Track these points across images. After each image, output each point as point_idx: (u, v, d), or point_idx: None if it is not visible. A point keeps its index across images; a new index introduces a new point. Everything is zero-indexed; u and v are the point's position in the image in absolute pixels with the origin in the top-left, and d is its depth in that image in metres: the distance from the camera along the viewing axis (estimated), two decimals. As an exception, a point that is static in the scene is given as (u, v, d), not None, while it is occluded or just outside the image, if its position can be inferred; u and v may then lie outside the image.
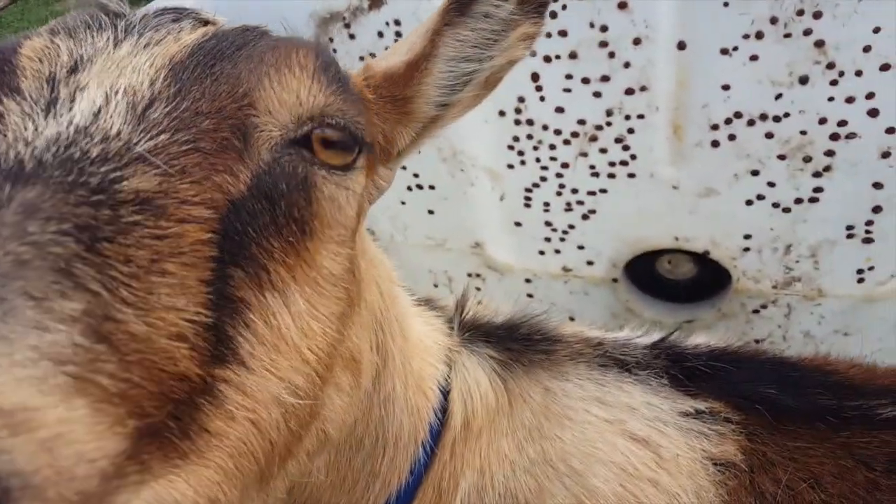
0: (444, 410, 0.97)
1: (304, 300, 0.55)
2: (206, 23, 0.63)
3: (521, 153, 1.82)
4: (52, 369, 0.35)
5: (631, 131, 1.64)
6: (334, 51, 1.84)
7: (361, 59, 1.82)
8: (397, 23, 1.71)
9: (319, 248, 0.58)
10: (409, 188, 2.05)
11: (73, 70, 0.54)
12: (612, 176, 1.75)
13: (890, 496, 0.87)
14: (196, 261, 0.48)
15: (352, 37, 1.78)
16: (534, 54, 1.60)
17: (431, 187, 2.02)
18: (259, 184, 0.54)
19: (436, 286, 2.29)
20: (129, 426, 0.39)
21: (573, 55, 1.56)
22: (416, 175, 2.01)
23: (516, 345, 1.05)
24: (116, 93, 0.52)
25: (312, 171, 0.58)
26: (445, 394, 0.98)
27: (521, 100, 1.71)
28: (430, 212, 2.08)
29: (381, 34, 1.74)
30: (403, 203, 2.10)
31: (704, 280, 1.98)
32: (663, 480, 0.95)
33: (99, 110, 0.50)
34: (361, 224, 0.74)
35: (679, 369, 1.03)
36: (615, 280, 2.00)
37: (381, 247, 2.26)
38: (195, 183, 0.50)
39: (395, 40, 1.73)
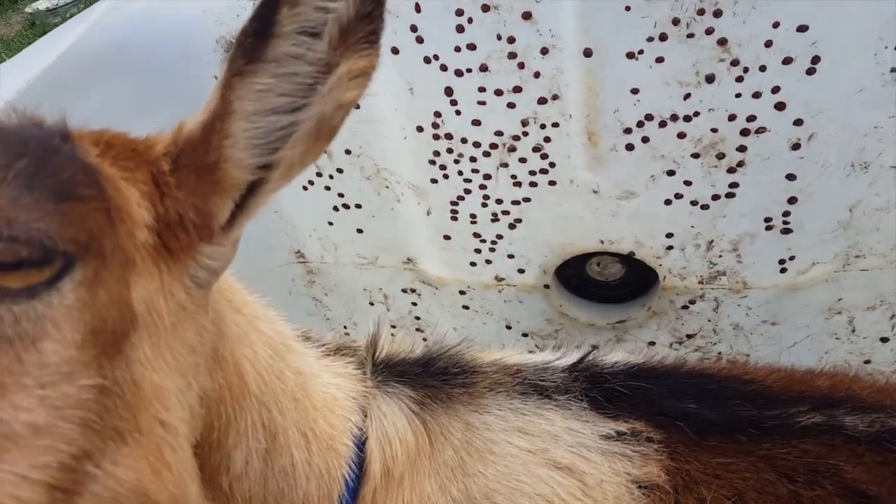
0: (362, 463, 0.93)
1: (22, 392, 0.47)
2: None
3: (442, 167, 1.79)
4: None
5: (547, 140, 1.62)
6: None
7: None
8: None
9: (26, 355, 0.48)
10: (336, 208, 2.00)
11: None
12: (533, 184, 1.73)
13: (813, 508, 0.87)
14: None
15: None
16: (445, 69, 1.57)
17: (358, 206, 1.97)
18: None
19: (371, 304, 2.25)
20: None
21: (484, 68, 1.53)
22: (340, 195, 1.96)
23: (434, 380, 1.01)
24: None
25: None
26: (361, 444, 0.94)
27: (438, 114, 1.67)
28: (359, 230, 2.03)
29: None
30: (331, 223, 2.05)
31: (633, 280, 1.98)
32: None
33: None
34: (190, 318, 0.65)
35: (598, 391, 1.01)
36: (547, 286, 1.99)
37: (312, 269, 2.22)
38: None
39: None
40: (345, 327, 2.39)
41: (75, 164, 0.55)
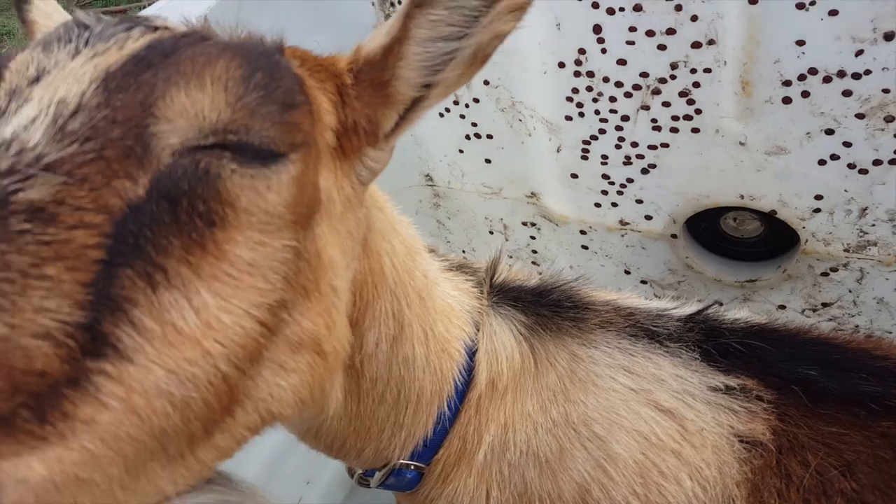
0: (471, 370, 1.00)
1: (212, 293, 0.55)
2: (157, 28, 0.63)
3: (579, 105, 1.76)
4: None
5: (696, 85, 1.55)
6: (399, 2, 1.81)
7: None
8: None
9: (230, 238, 0.58)
10: (468, 137, 2.04)
11: (35, 81, 0.57)
12: (674, 130, 1.68)
13: (925, 494, 0.85)
14: (79, 264, 0.50)
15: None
16: (596, 6, 1.53)
17: (489, 136, 2.00)
18: (158, 186, 0.55)
19: (491, 233, 2.30)
20: None
21: (637, 7, 1.47)
22: (474, 124, 1.99)
23: (545, 310, 1.06)
24: (49, 105, 0.54)
25: (220, 164, 0.58)
26: (472, 354, 1.01)
27: (582, 51, 1.64)
28: (488, 160, 2.07)
29: None
30: (461, 151, 2.09)
31: (771, 239, 1.89)
32: (686, 452, 0.95)
33: (29, 123, 0.53)
34: (351, 207, 0.75)
35: (712, 344, 1.01)
36: (675, 236, 1.94)
37: (439, 192, 2.30)
38: (92, 190, 0.52)
39: None
40: (463, 251, 2.47)
41: (291, 77, 0.66)
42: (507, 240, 2.28)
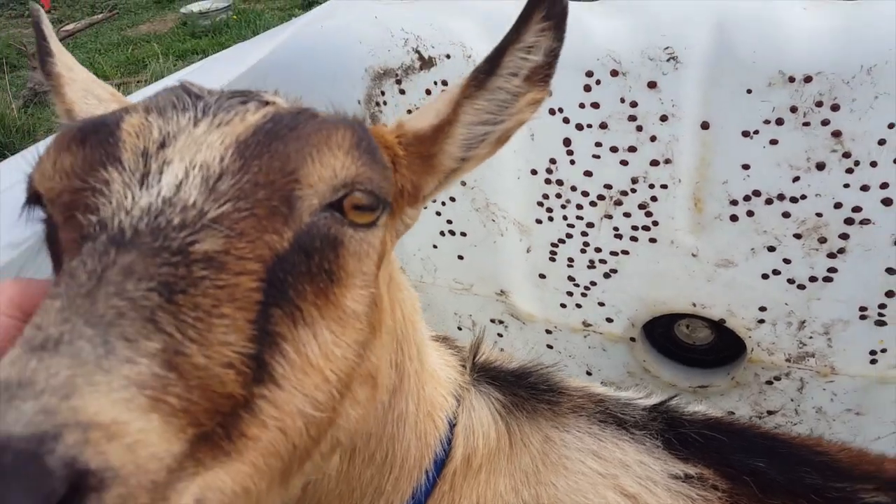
0: (449, 442, 1.02)
1: (330, 332, 0.66)
2: (266, 103, 0.73)
3: (549, 210, 1.92)
4: (136, 393, 0.48)
5: (654, 199, 1.72)
6: (384, 103, 1.98)
7: (409, 111, 1.96)
8: (444, 83, 1.85)
9: (344, 293, 0.69)
10: (442, 233, 2.16)
11: (162, 146, 0.64)
12: (634, 239, 1.83)
13: (862, 579, 0.91)
14: (246, 304, 0.59)
15: (402, 92, 1.92)
16: (567, 121, 1.71)
17: (463, 234, 2.13)
18: (298, 241, 0.65)
19: (459, 329, 2.38)
20: (188, 433, 0.51)
21: (604, 125, 1.66)
22: (449, 221, 2.12)
23: (523, 391, 1.10)
24: (194, 167, 0.63)
25: (342, 230, 0.69)
26: (452, 426, 1.03)
27: (553, 161, 1.81)
28: (460, 257, 2.18)
29: (428, 91, 1.88)
30: (435, 247, 2.21)
31: (720, 347, 2.02)
32: None
33: (180, 183, 0.61)
34: (385, 261, 0.85)
35: (674, 433, 1.07)
36: (633, 339, 2.06)
37: (411, 285, 2.38)
38: (250, 242, 0.61)
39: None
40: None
41: (377, 143, 0.80)
42: (474, 336, 2.35)
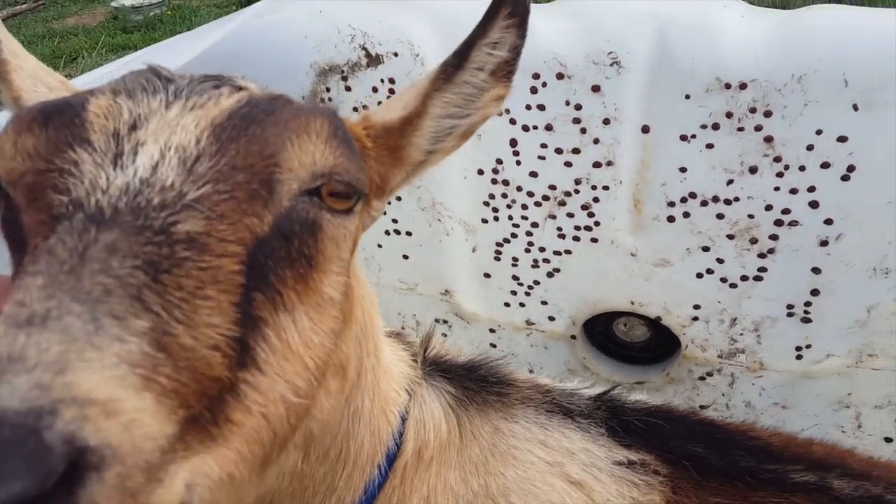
0: (401, 436, 1.03)
1: (308, 318, 0.66)
2: (239, 88, 0.73)
3: (495, 210, 1.94)
4: (128, 371, 0.47)
5: (596, 200, 1.77)
6: (329, 99, 1.96)
7: (355, 109, 1.95)
8: (391, 81, 1.84)
9: (322, 278, 0.70)
10: (387, 232, 2.15)
11: (133, 127, 0.64)
12: (576, 239, 1.88)
13: (794, 556, 0.96)
14: (229, 287, 0.59)
15: (348, 89, 1.91)
16: (514, 122, 1.74)
17: (408, 233, 2.13)
18: (278, 225, 0.65)
19: (403, 328, 2.37)
20: (179, 415, 0.50)
21: (549, 127, 1.70)
22: (394, 220, 2.12)
23: (473, 384, 1.12)
24: (169, 149, 0.62)
25: (320, 214, 0.70)
26: (403, 421, 1.04)
27: (500, 161, 1.84)
28: (405, 257, 2.18)
29: (375, 89, 1.87)
30: (380, 246, 2.20)
31: (656, 345, 2.09)
32: None
33: (157, 164, 0.61)
34: (355, 251, 0.86)
35: (617, 421, 1.11)
36: (574, 337, 2.11)
37: (355, 286, 2.37)
38: (231, 224, 0.61)
39: (388, 96, 1.86)
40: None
41: (355, 132, 0.82)
42: (418, 336, 2.36)
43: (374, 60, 1.84)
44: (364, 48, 1.84)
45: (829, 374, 1.83)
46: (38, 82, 0.91)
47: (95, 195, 0.58)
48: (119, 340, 0.48)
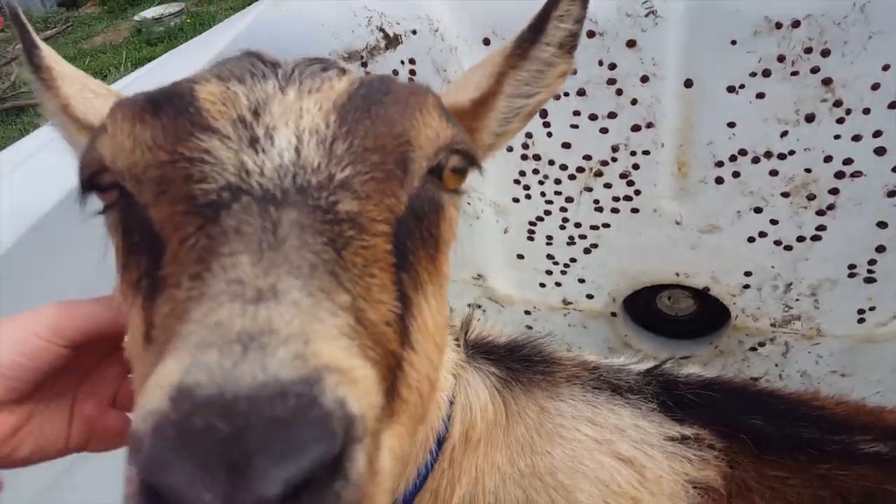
0: (449, 419, 1.02)
1: (434, 299, 0.67)
2: (343, 70, 0.71)
3: (526, 187, 1.84)
4: (349, 342, 0.49)
5: (636, 167, 1.66)
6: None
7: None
8: (412, 62, 1.74)
9: (442, 259, 0.70)
10: (413, 218, 2.06)
11: (256, 112, 0.62)
12: (615, 211, 1.77)
13: (861, 527, 0.89)
14: (386, 266, 0.59)
15: (367, 74, 1.81)
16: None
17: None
18: (412, 205, 0.65)
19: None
20: (383, 386, 0.52)
21: (581, 92, 1.59)
22: (420, 205, 2.02)
23: (517, 364, 1.09)
24: (303, 132, 0.61)
25: (441, 194, 0.69)
26: (450, 404, 1.03)
27: (529, 136, 1.73)
28: (433, 243, 2.08)
29: (395, 72, 1.77)
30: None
31: (703, 317, 1.98)
32: (645, 499, 1.00)
33: (296, 147, 0.60)
34: None
35: (669, 396, 1.06)
36: (614, 314, 2.00)
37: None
38: (376, 205, 0.61)
39: (410, 77, 1.75)
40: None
41: None
42: (451, 323, 2.27)
43: (392, 41, 1.74)
44: (381, 29, 1.74)
45: (894, 336, 1.72)
46: (85, 88, 0.87)
47: (254, 178, 0.57)
48: (333, 314, 0.49)
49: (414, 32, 1.72)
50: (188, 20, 8.79)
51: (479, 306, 2.17)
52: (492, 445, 1.03)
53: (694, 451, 1.02)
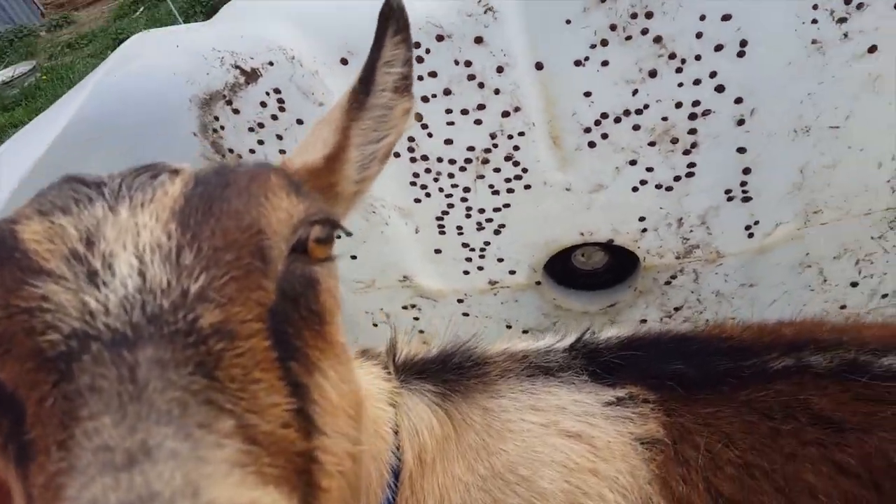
0: (398, 448, 1.03)
1: (334, 371, 0.67)
2: (175, 171, 0.69)
3: (423, 187, 1.91)
4: (242, 473, 0.47)
5: (516, 148, 1.75)
6: (222, 127, 1.89)
7: (251, 129, 1.87)
8: (277, 91, 1.77)
9: (331, 329, 0.70)
10: (327, 240, 2.10)
11: (89, 242, 0.59)
12: (510, 191, 1.86)
13: (790, 439, 0.98)
14: (268, 364, 0.58)
15: (236, 111, 1.83)
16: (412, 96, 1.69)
17: (349, 234, 2.07)
18: (282, 290, 0.64)
19: (375, 325, 2.35)
20: (294, 498, 0.51)
21: (447, 91, 1.66)
22: (330, 227, 2.07)
23: (451, 375, 1.12)
24: (144, 251, 0.58)
25: (311, 268, 0.69)
26: (396, 434, 1.04)
27: (412, 139, 1.80)
28: (353, 257, 2.14)
29: (263, 104, 1.80)
30: (325, 255, 2.15)
31: (617, 265, 2.11)
32: (601, 468, 1.03)
33: (140, 270, 0.57)
34: None
35: (596, 364, 1.12)
36: (538, 283, 2.11)
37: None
38: (242, 305, 0.59)
39: (279, 108, 1.79)
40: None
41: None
42: (391, 328, 2.34)
43: (251, 76, 1.76)
44: (237, 66, 1.76)
45: (782, 242, 1.87)
46: None
47: (99, 320, 0.54)
48: (218, 447, 0.48)
49: (271, 64, 1.74)
50: (44, 77, 8.22)
51: (414, 305, 2.25)
52: (448, 460, 1.04)
53: (632, 410, 1.06)
